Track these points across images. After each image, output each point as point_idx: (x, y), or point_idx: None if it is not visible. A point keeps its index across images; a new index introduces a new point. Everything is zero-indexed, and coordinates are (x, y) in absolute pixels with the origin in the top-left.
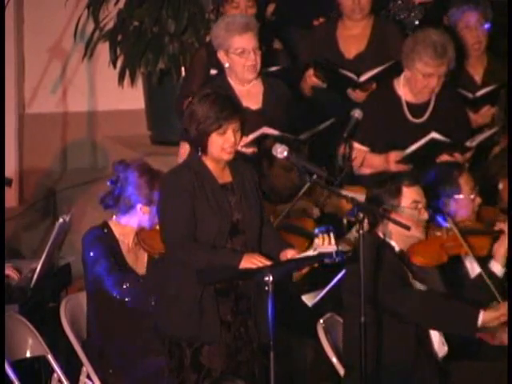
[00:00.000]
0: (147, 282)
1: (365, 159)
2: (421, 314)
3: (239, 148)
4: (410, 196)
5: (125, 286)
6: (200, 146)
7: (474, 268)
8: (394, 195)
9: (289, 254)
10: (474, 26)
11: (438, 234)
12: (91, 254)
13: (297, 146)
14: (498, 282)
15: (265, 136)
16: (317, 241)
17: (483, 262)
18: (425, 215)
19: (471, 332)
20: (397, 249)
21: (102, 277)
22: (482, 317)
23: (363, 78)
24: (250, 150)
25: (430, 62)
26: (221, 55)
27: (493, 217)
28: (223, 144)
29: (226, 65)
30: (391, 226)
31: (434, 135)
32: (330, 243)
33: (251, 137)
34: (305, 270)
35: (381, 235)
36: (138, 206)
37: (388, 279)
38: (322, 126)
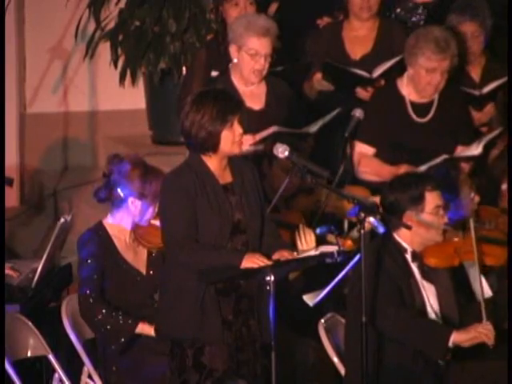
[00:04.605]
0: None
1: (368, 165)
2: (394, 332)
3: (248, 147)
4: (432, 201)
5: (96, 319)
6: (211, 146)
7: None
8: (417, 201)
9: (284, 254)
10: (470, 37)
11: (455, 239)
12: (81, 254)
13: (304, 138)
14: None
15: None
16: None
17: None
18: (444, 219)
19: (442, 353)
20: (410, 250)
21: (82, 282)
22: (453, 338)
23: (376, 74)
24: (259, 148)
25: (433, 57)
26: (232, 49)
27: (493, 217)
28: (234, 137)
29: (235, 60)
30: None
31: (445, 156)
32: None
33: (260, 135)
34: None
35: (396, 236)
36: (130, 199)
37: (383, 291)
38: (328, 116)
